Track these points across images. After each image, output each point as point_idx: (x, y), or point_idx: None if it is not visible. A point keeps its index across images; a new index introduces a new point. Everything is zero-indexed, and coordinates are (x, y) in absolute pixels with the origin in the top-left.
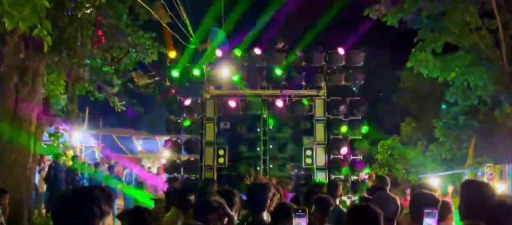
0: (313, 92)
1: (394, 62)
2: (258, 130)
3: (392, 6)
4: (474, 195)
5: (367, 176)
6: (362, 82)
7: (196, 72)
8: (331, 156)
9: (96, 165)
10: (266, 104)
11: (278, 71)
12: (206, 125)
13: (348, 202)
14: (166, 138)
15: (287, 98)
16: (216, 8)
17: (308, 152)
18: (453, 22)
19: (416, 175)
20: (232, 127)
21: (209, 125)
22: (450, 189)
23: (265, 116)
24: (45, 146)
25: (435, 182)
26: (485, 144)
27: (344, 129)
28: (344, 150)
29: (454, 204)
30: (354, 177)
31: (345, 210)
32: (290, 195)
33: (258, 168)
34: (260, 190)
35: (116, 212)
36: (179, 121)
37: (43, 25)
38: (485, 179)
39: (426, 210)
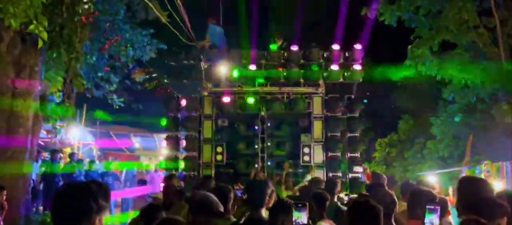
0: (311, 90)
1: (392, 60)
2: (256, 127)
3: (389, 4)
4: (471, 190)
5: (361, 170)
6: (360, 80)
7: (194, 70)
8: (329, 154)
9: (92, 162)
10: (264, 101)
11: (276, 69)
12: (204, 122)
13: (345, 199)
14: (164, 135)
15: (285, 96)
16: (215, 6)
17: (306, 150)
18: (450, 20)
19: (414, 173)
20: (230, 125)
21: (207, 122)
22: (451, 190)
23: (263, 113)
24: (42, 142)
25: (433, 179)
26: (482, 142)
27: (342, 126)
28: (342, 147)
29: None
30: (351, 175)
31: (342, 206)
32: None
33: (256, 166)
34: (260, 187)
35: (113, 209)
36: (177, 118)
37: (38, 21)
38: (482, 177)
39: (428, 206)
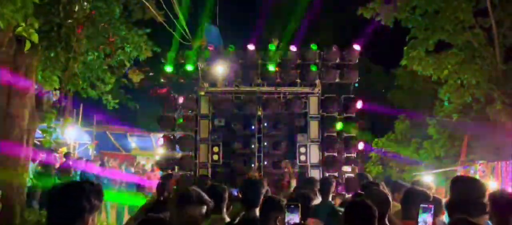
0: (307, 90)
1: (389, 60)
2: (253, 127)
3: (386, 4)
4: (464, 190)
5: (350, 169)
6: (357, 80)
7: (190, 68)
8: (325, 153)
9: (88, 161)
10: (260, 101)
11: (273, 68)
12: (201, 122)
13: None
14: (160, 135)
15: (282, 96)
16: (211, 6)
17: (302, 149)
18: (446, 20)
19: (410, 173)
20: (227, 124)
21: (204, 122)
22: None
23: (259, 113)
24: (38, 142)
25: (428, 179)
26: (477, 142)
27: (338, 126)
28: (338, 147)
29: None
30: (347, 175)
31: (337, 206)
32: None
33: (253, 165)
34: (254, 186)
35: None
36: (174, 118)
37: (28, 23)
38: (477, 176)
39: (422, 205)
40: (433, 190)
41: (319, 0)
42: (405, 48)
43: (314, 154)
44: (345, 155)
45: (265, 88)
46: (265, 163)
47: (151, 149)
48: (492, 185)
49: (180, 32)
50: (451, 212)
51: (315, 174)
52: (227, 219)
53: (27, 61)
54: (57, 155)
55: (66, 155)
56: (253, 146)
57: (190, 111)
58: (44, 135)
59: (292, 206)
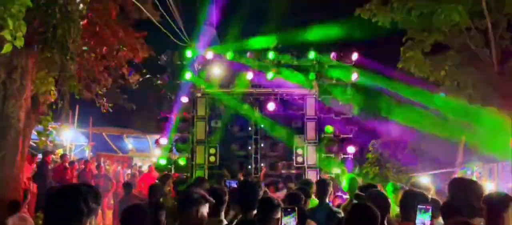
0: (304, 91)
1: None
2: (250, 128)
3: (382, 5)
4: (461, 192)
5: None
6: (354, 81)
7: (187, 70)
8: (322, 155)
9: (85, 162)
10: (257, 103)
11: (269, 70)
12: (197, 123)
13: (337, 201)
14: (157, 136)
15: (279, 97)
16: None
17: (299, 151)
18: (442, 21)
19: (407, 174)
20: (223, 126)
21: (200, 124)
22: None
23: (256, 114)
24: (34, 144)
25: (426, 180)
26: (474, 143)
27: (335, 128)
28: (335, 149)
29: None
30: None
31: (334, 208)
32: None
33: (250, 167)
34: (251, 189)
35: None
36: (170, 119)
37: (14, 26)
38: (474, 178)
39: (419, 206)
40: (431, 191)
41: (317, 1)
42: (402, 49)
43: (311, 156)
44: (342, 156)
45: (262, 90)
46: (262, 165)
47: (147, 151)
48: (488, 186)
49: (177, 33)
50: (446, 215)
51: (312, 175)
52: (225, 222)
53: (22, 62)
54: (53, 156)
55: (62, 157)
56: (250, 147)
57: (186, 113)
58: (40, 137)
59: (289, 209)
